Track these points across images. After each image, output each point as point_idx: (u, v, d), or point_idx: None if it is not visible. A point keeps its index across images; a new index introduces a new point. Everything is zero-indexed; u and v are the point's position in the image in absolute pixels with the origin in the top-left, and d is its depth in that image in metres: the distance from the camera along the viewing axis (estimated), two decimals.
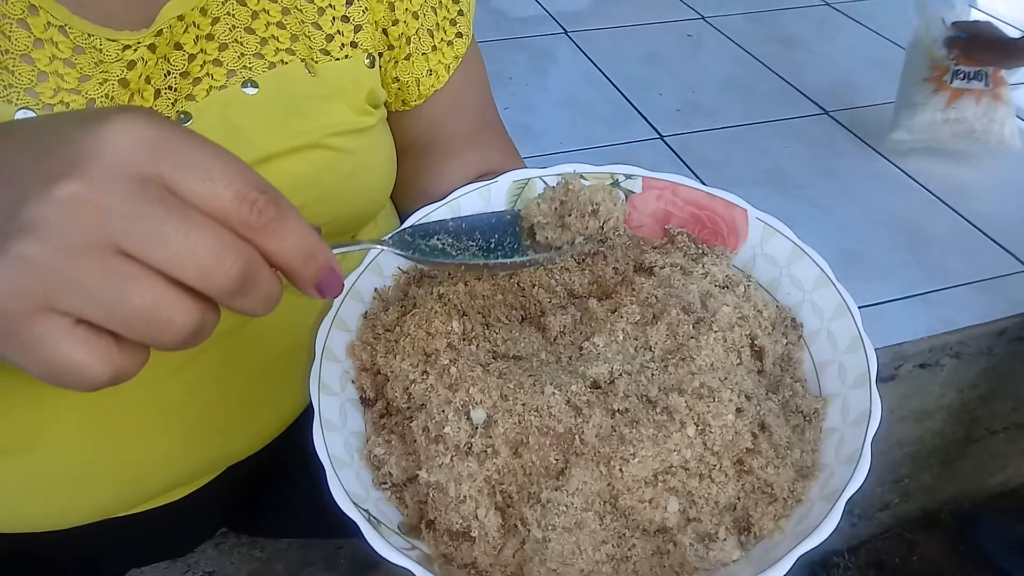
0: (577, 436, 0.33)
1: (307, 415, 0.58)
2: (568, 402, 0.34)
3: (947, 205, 1.36)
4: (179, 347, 0.25)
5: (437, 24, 0.58)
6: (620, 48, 2.63)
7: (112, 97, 0.42)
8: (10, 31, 0.40)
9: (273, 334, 0.54)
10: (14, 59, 0.40)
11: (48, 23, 0.41)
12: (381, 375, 0.39)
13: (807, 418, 0.36)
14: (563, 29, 2.75)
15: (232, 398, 0.53)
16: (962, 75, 1.35)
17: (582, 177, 0.46)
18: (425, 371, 0.37)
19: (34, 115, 0.40)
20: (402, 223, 0.45)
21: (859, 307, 0.39)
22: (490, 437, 0.34)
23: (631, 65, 2.49)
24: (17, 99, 0.40)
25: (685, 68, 2.51)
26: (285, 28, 0.48)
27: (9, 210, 0.22)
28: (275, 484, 0.66)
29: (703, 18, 2.80)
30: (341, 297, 0.41)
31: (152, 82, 0.44)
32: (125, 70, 0.43)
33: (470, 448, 0.34)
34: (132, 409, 0.49)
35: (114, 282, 0.22)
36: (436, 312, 0.39)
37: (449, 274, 0.42)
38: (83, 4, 0.42)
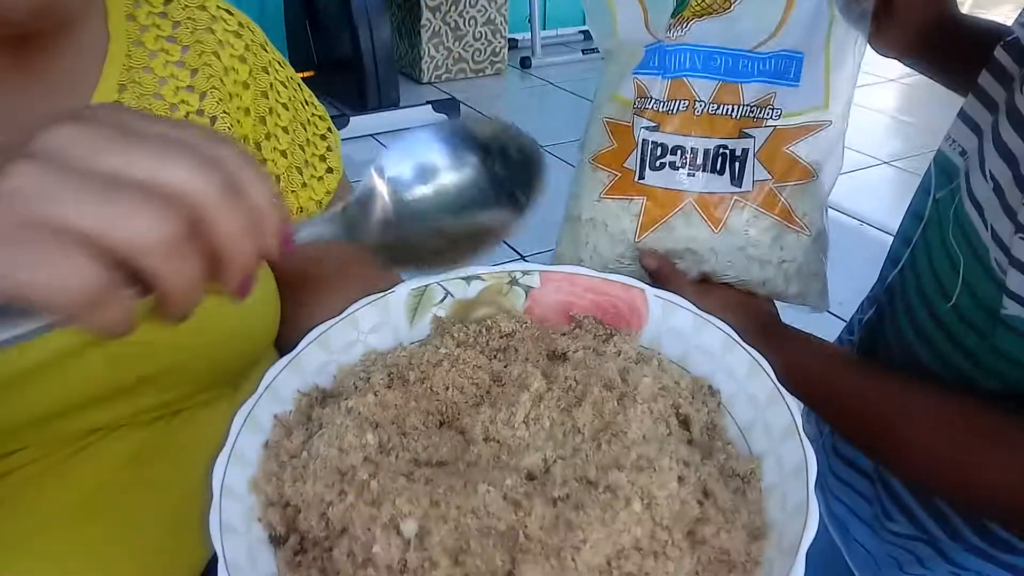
0: (521, 532, 0.31)
1: (213, 567, 0.52)
2: (505, 497, 0.32)
3: None
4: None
5: (306, 161, 0.58)
6: None
7: None
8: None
9: (174, 478, 0.48)
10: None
11: None
12: (291, 507, 0.34)
13: (745, 479, 0.36)
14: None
15: (136, 549, 0.47)
16: (664, 151, 0.61)
17: (480, 278, 0.46)
18: (342, 491, 0.33)
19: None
20: (294, 349, 0.42)
21: None
22: (426, 549, 0.30)
23: None
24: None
25: None
26: None
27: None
28: None
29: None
30: (236, 429, 0.37)
31: None
32: None
33: (405, 566, 0.30)
34: (38, 559, 0.42)
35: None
36: (347, 427, 0.36)
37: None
38: None
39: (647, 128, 0.63)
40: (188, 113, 0.50)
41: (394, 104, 3.25)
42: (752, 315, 0.59)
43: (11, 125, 0.43)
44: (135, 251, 0.24)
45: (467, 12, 3.84)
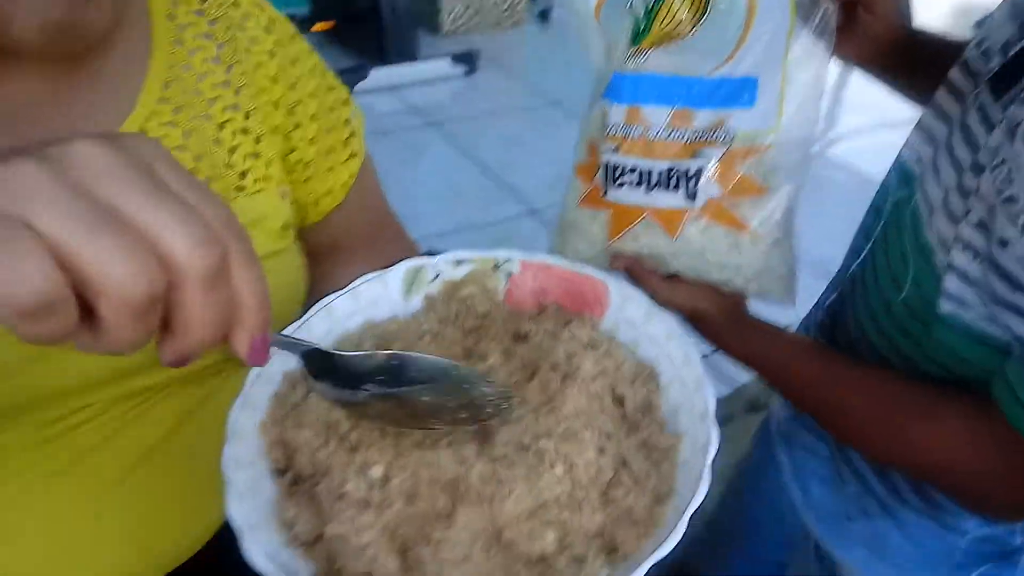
0: (462, 482, 0.38)
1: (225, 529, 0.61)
2: (456, 455, 0.39)
3: None
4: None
5: (332, 147, 0.63)
6: (485, 134, 2.83)
7: None
8: None
9: (198, 453, 0.56)
10: None
11: None
12: (290, 447, 0.43)
13: (664, 453, 0.42)
14: (428, 120, 2.95)
15: (164, 510, 0.56)
16: (622, 171, 0.66)
17: (468, 262, 0.53)
18: (327, 439, 0.41)
19: None
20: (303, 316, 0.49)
21: None
22: (387, 490, 0.38)
23: (498, 149, 2.66)
24: None
25: (549, 146, 2.72)
26: (200, 173, 0.53)
27: None
28: None
29: (558, 102, 3.07)
30: (251, 381, 0.45)
31: None
32: None
33: (368, 502, 0.38)
34: (74, 516, 0.51)
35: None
36: None
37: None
38: None
39: (608, 150, 0.66)
40: (224, 107, 0.55)
41: (413, 56, 3.31)
42: (719, 304, 0.64)
43: (63, 130, 0.47)
44: (94, 288, 0.23)
45: None
